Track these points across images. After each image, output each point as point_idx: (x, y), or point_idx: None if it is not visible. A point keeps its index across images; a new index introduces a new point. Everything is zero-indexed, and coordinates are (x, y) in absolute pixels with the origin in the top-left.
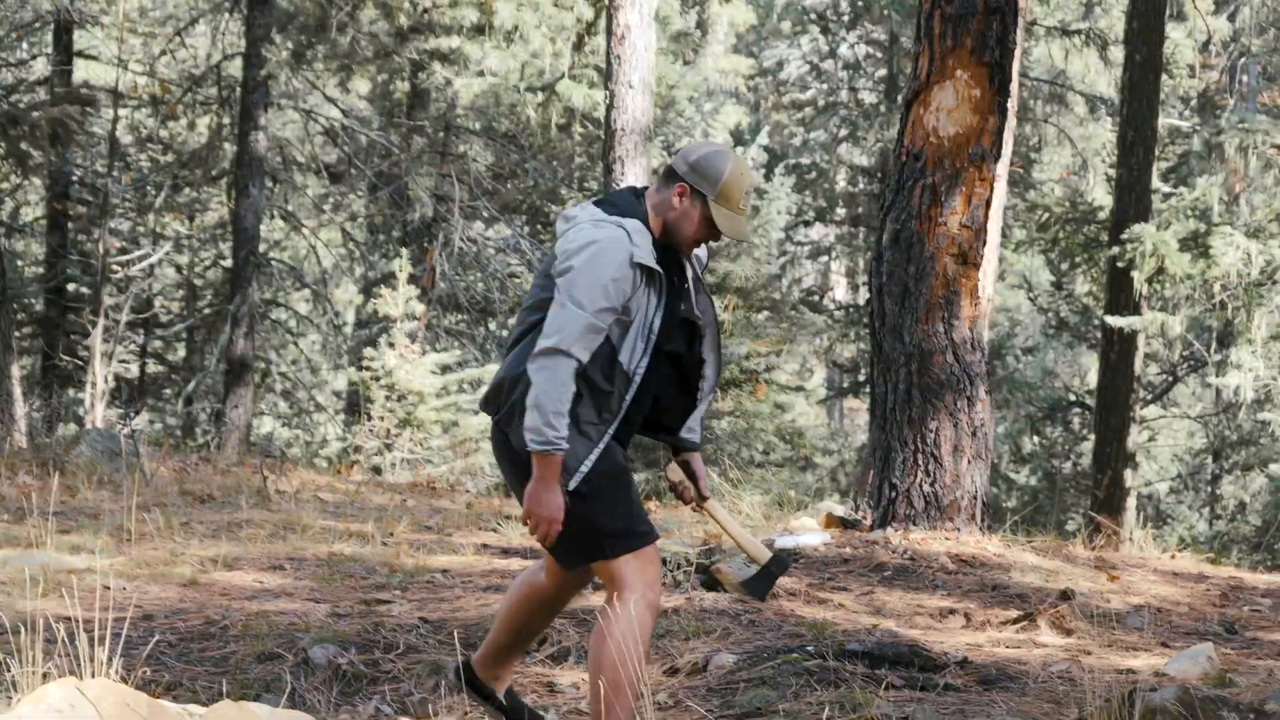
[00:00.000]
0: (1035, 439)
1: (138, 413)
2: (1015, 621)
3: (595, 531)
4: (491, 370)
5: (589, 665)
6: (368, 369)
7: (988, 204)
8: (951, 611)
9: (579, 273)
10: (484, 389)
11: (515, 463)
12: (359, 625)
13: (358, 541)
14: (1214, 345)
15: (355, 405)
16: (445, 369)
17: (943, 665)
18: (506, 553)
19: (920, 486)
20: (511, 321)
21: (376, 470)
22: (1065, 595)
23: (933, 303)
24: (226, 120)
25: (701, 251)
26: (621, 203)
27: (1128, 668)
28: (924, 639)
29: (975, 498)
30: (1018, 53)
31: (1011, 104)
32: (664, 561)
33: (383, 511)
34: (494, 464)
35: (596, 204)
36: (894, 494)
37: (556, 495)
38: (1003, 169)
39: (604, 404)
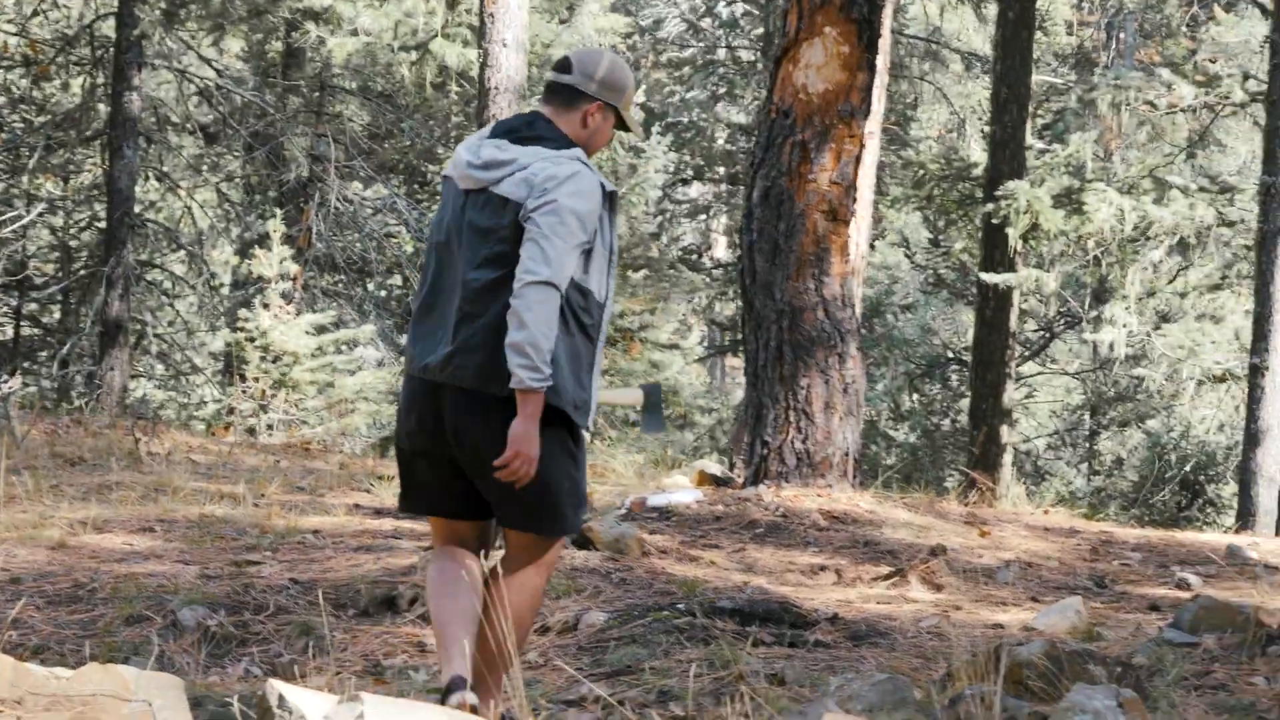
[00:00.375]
0: (914, 396)
1: (11, 375)
2: (886, 578)
3: (574, 491)
4: (367, 330)
5: (506, 620)
6: (242, 330)
7: (857, 160)
8: (822, 568)
9: (562, 206)
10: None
11: (498, 422)
12: (229, 587)
13: (229, 503)
14: (1089, 301)
15: (232, 367)
16: (321, 329)
17: (813, 622)
18: (379, 513)
19: (792, 443)
20: (392, 281)
21: (251, 432)
22: (936, 551)
23: (803, 259)
24: (100, 80)
25: None
26: (549, 133)
27: (996, 622)
28: (795, 596)
29: (847, 454)
30: (888, 9)
31: (882, 60)
32: None
33: (255, 473)
34: (372, 424)
35: (521, 139)
36: (766, 451)
37: (537, 437)
38: (874, 125)
39: (589, 335)
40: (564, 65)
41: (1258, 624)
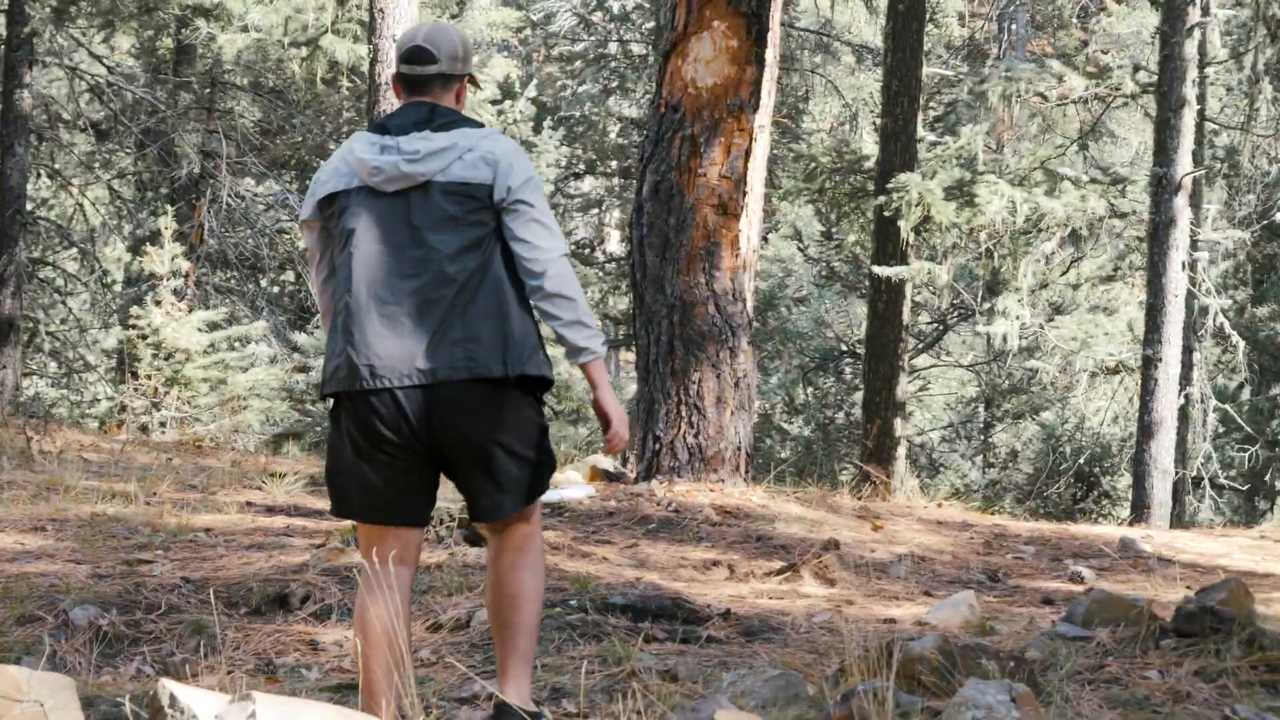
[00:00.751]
0: (808, 389)
1: None
2: (779, 573)
3: (550, 456)
4: (259, 326)
5: (520, 600)
6: (134, 328)
7: (747, 154)
8: (715, 563)
9: (535, 178)
10: (456, 360)
11: (513, 405)
12: (120, 586)
13: (121, 501)
14: (982, 294)
15: (124, 364)
16: (213, 326)
17: (706, 617)
18: (271, 510)
19: (684, 438)
20: (285, 277)
21: (144, 430)
22: (829, 546)
23: (693, 254)
24: None
25: None
26: (457, 115)
27: (890, 617)
28: (687, 591)
29: (739, 449)
30: (777, 2)
31: (772, 54)
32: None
33: (147, 471)
34: (265, 421)
35: (442, 127)
36: (658, 446)
37: None
38: (764, 119)
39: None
40: (426, 56)
41: (1151, 617)
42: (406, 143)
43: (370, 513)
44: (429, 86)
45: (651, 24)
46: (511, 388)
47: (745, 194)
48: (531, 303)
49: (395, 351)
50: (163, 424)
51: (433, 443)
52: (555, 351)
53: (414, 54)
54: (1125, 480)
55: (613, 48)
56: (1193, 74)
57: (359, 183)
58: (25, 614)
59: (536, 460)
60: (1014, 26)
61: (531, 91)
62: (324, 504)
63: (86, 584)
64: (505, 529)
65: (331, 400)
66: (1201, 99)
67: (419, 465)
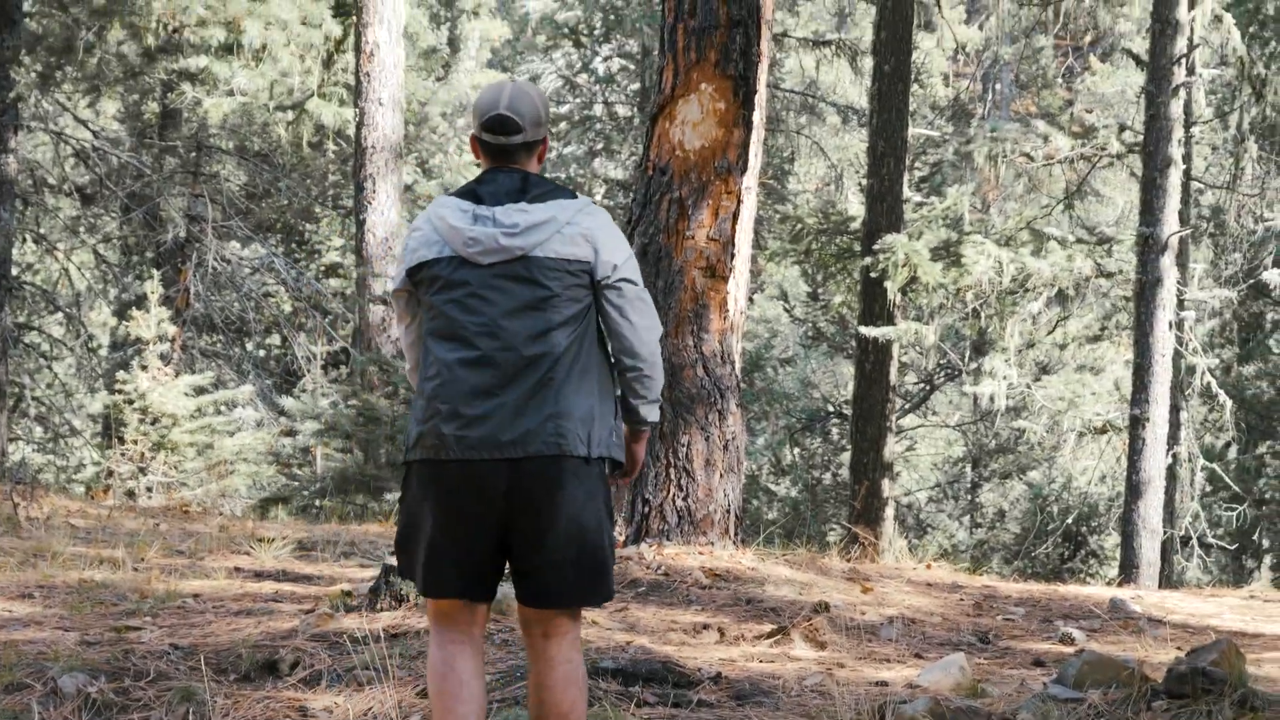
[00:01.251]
0: (795, 450)
1: None
2: (769, 636)
3: (614, 554)
4: (246, 391)
5: (567, 712)
6: (121, 392)
7: (735, 217)
8: (705, 626)
9: (633, 258)
10: (538, 442)
11: (592, 490)
12: (109, 653)
13: (109, 568)
14: (969, 354)
15: (110, 429)
16: (200, 391)
17: (697, 681)
18: (259, 576)
19: (673, 501)
20: (271, 341)
21: (130, 495)
22: (819, 608)
23: (682, 316)
24: None
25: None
26: (550, 185)
27: (881, 680)
28: (678, 655)
29: (728, 511)
30: (764, 65)
31: (758, 116)
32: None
33: (135, 536)
34: (252, 485)
35: (537, 198)
36: (647, 509)
37: None
38: (751, 181)
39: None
40: (511, 125)
41: (1142, 679)
42: (504, 214)
43: (445, 586)
44: (514, 155)
45: (637, 86)
46: (594, 468)
47: (733, 256)
48: (626, 378)
49: (485, 423)
50: (149, 489)
51: (511, 517)
52: None
53: (497, 123)
54: (1113, 540)
55: (598, 110)
56: (1178, 133)
57: (451, 252)
58: (13, 681)
59: (606, 554)
60: (998, 86)
61: None
62: (313, 569)
63: (75, 651)
64: (556, 631)
65: (407, 466)
66: (1187, 158)
67: (494, 540)
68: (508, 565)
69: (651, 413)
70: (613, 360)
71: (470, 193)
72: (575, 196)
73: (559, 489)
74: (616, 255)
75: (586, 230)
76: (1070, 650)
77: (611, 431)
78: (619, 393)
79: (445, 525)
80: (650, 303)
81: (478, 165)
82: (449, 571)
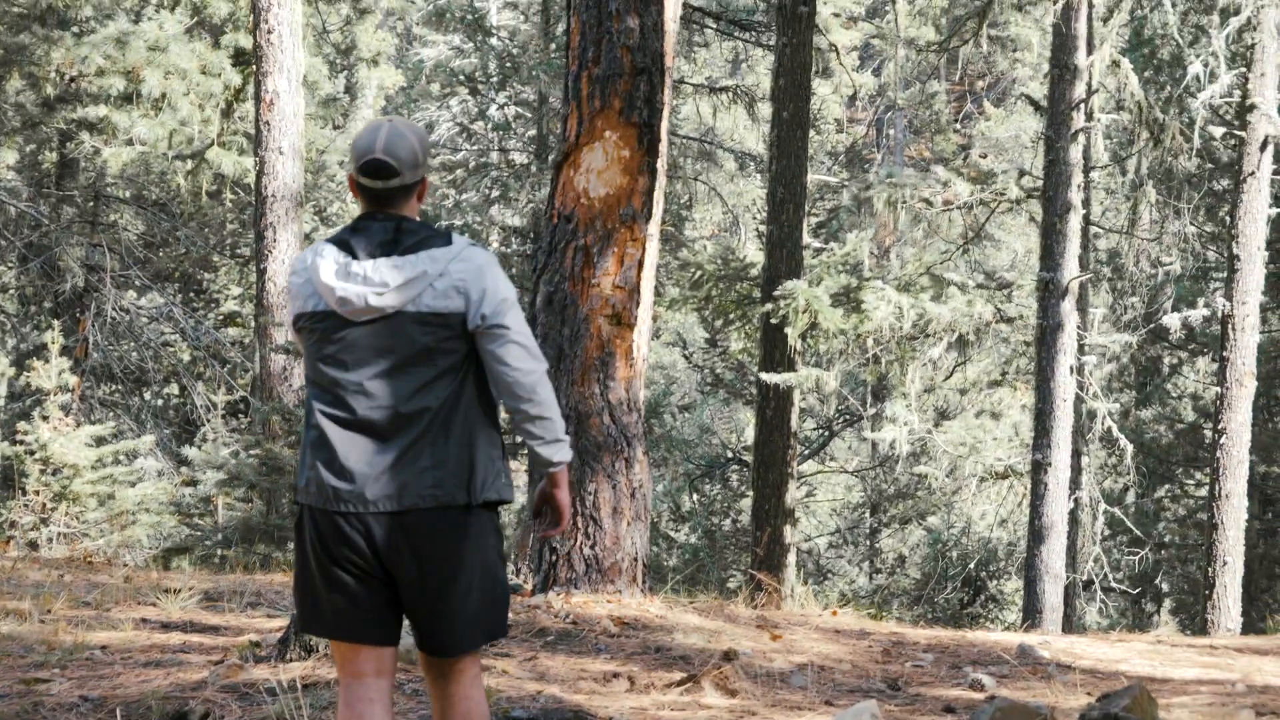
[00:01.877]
0: (694, 497)
1: None
2: (679, 684)
3: (507, 591)
4: (147, 440)
5: None
6: (21, 443)
7: (640, 264)
8: (615, 675)
9: (509, 298)
10: (414, 486)
11: (476, 535)
12: (19, 705)
13: (14, 619)
14: (868, 399)
15: (9, 479)
16: (101, 441)
17: None
18: (167, 627)
19: (581, 549)
20: (169, 390)
21: (33, 545)
22: (728, 656)
23: (588, 364)
24: None
25: None
26: (424, 230)
27: None
28: (588, 704)
29: (636, 559)
30: (666, 111)
31: (661, 163)
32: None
33: (40, 587)
34: (153, 535)
35: (408, 249)
36: (554, 557)
37: None
38: (654, 228)
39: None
40: (386, 170)
41: None
42: (374, 271)
43: (338, 629)
44: (392, 198)
45: (533, 132)
46: (477, 514)
47: (638, 304)
48: (514, 421)
49: (363, 477)
50: (50, 539)
51: (394, 567)
52: None
53: (373, 168)
54: (1012, 584)
55: (494, 157)
56: (1078, 178)
57: (325, 306)
58: None
59: (496, 595)
60: (892, 132)
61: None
62: (220, 620)
63: None
64: (455, 671)
65: (299, 506)
66: (1086, 203)
67: (381, 587)
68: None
69: (553, 452)
70: (499, 405)
71: (344, 243)
72: (450, 242)
73: (442, 539)
74: (487, 303)
75: (458, 280)
76: (980, 696)
77: (498, 474)
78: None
79: (323, 570)
80: (530, 345)
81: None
82: (327, 612)
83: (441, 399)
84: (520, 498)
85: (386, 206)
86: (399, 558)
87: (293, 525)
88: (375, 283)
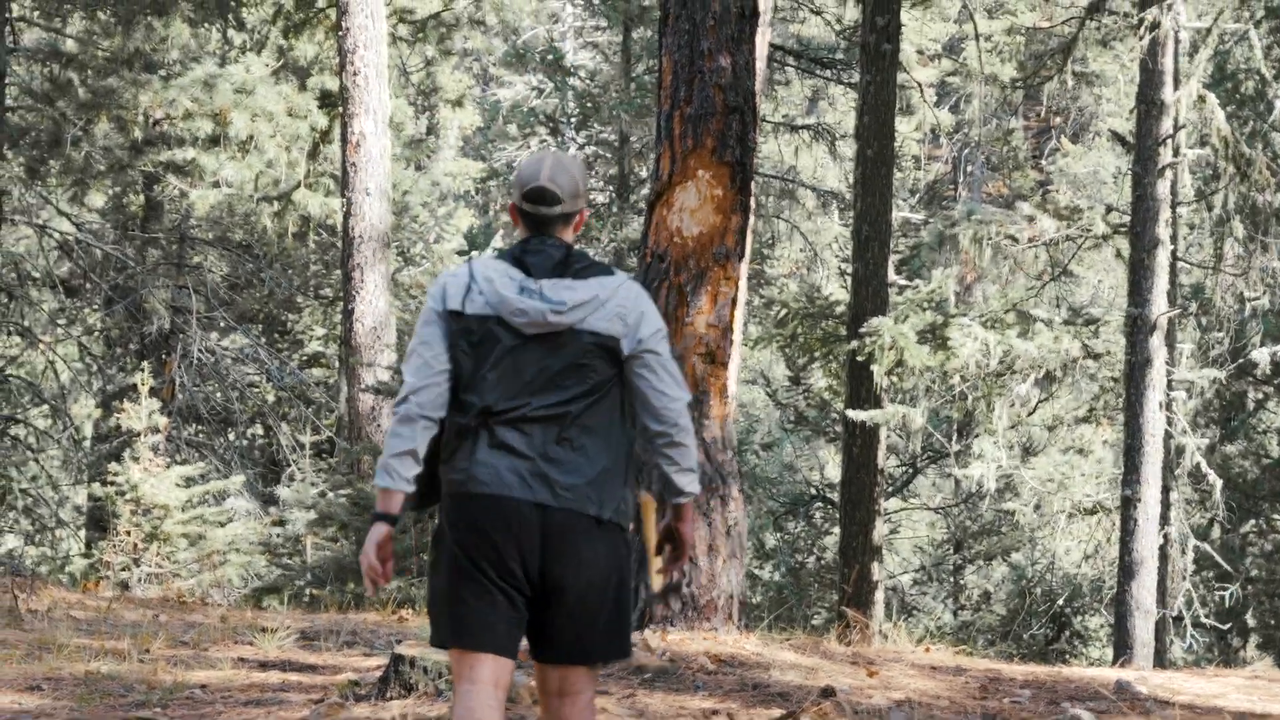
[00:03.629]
0: (778, 534)
1: None
2: None
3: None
4: (237, 481)
5: None
6: (112, 484)
7: (733, 302)
8: (714, 712)
9: (662, 329)
10: (561, 495)
11: (610, 546)
12: None
13: (114, 659)
14: (955, 436)
15: (98, 520)
16: (190, 481)
17: None
18: (265, 666)
19: (677, 587)
20: (253, 430)
21: (124, 585)
22: (827, 692)
23: None
24: None
25: None
26: (588, 259)
27: None
28: None
29: (731, 596)
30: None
31: (751, 202)
32: (425, 671)
33: (137, 627)
34: (243, 574)
35: (579, 274)
36: (649, 595)
37: None
38: (744, 267)
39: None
40: (550, 197)
41: None
42: (551, 290)
43: (468, 637)
44: (552, 225)
45: (614, 171)
46: (610, 529)
47: (731, 342)
48: (656, 445)
49: (505, 482)
50: (140, 580)
51: (531, 572)
52: None
53: (537, 195)
54: (1097, 620)
55: None
56: (1165, 214)
57: (495, 314)
58: None
59: (625, 613)
60: (970, 169)
61: (497, 241)
62: (317, 658)
63: None
64: (573, 691)
65: (437, 523)
66: (1174, 238)
67: (515, 595)
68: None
69: (687, 481)
70: (640, 430)
71: (518, 260)
72: (613, 273)
73: (579, 546)
74: (644, 329)
75: (621, 307)
76: None
77: (620, 500)
78: (659, 469)
79: (462, 573)
80: (677, 373)
81: (510, 237)
82: (461, 618)
83: (584, 411)
84: None
85: (548, 231)
86: (537, 561)
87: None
88: (553, 301)
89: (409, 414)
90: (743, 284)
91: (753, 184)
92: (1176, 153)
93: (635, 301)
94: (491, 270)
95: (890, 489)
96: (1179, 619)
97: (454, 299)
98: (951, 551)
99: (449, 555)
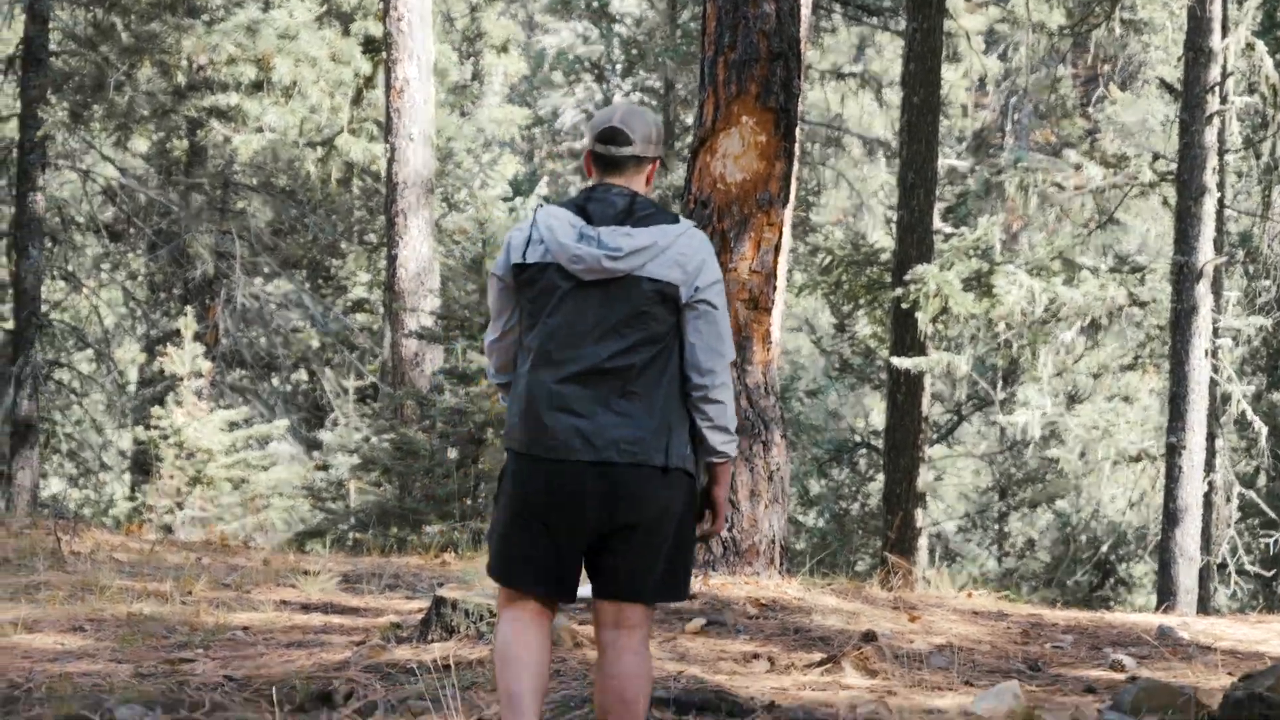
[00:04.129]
0: (822, 481)
1: None
2: (819, 664)
3: (693, 558)
4: (281, 425)
5: (631, 700)
6: (156, 428)
7: (776, 249)
8: (755, 656)
9: (720, 282)
10: (614, 446)
11: (677, 492)
12: (164, 685)
13: (156, 601)
14: (1000, 383)
15: (141, 464)
16: (234, 426)
17: (749, 710)
18: (307, 608)
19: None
20: (297, 376)
21: (168, 529)
22: (868, 637)
23: None
24: (3, 182)
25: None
26: (652, 208)
27: (935, 707)
28: (729, 684)
29: (773, 542)
30: (799, 97)
31: (795, 149)
32: (466, 614)
33: (179, 570)
34: (286, 518)
35: (640, 221)
36: None
37: None
38: (788, 213)
39: None
40: (621, 137)
41: (1198, 705)
42: (609, 236)
43: (515, 577)
44: (623, 167)
45: (659, 119)
46: (676, 476)
47: (774, 288)
48: (693, 399)
49: (568, 429)
50: (184, 523)
51: (595, 516)
52: None
53: (610, 134)
54: (1141, 567)
55: None
56: (1212, 162)
57: (554, 261)
58: (70, 714)
59: (686, 557)
60: (1018, 116)
61: (542, 188)
62: (359, 602)
63: (130, 683)
64: (629, 621)
65: (507, 451)
66: (1220, 186)
67: (574, 539)
68: (584, 569)
69: (721, 441)
70: (681, 381)
71: (580, 208)
72: (678, 221)
73: (642, 493)
74: (702, 279)
75: (681, 255)
76: (1121, 677)
77: (686, 446)
78: (693, 425)
79: (522, 518)
80: (727, 330)
81: (585, 182)
82: (518, 560)
83: (646, 361)
84: None
85: (618, 176)
86: (598, 506)
87: (429, 509)
88: (610, 247)
89: (498, 383)
90: (787, 230)
91: (797, 131)
92: (1224, 100)
93: (697, 250)
94: (554, 219)
95: (935, 436)
96: (1223, 566)
97: (516, 252)
98: (996, 498)
99: (509, 498)
